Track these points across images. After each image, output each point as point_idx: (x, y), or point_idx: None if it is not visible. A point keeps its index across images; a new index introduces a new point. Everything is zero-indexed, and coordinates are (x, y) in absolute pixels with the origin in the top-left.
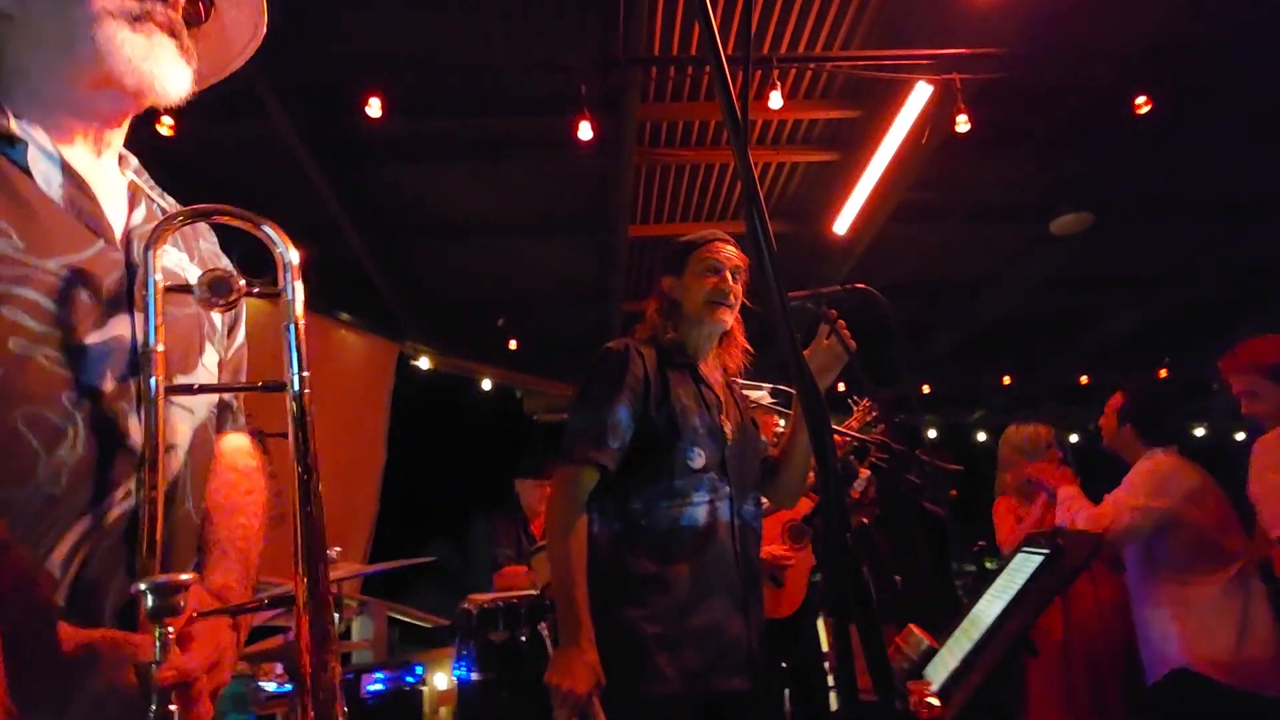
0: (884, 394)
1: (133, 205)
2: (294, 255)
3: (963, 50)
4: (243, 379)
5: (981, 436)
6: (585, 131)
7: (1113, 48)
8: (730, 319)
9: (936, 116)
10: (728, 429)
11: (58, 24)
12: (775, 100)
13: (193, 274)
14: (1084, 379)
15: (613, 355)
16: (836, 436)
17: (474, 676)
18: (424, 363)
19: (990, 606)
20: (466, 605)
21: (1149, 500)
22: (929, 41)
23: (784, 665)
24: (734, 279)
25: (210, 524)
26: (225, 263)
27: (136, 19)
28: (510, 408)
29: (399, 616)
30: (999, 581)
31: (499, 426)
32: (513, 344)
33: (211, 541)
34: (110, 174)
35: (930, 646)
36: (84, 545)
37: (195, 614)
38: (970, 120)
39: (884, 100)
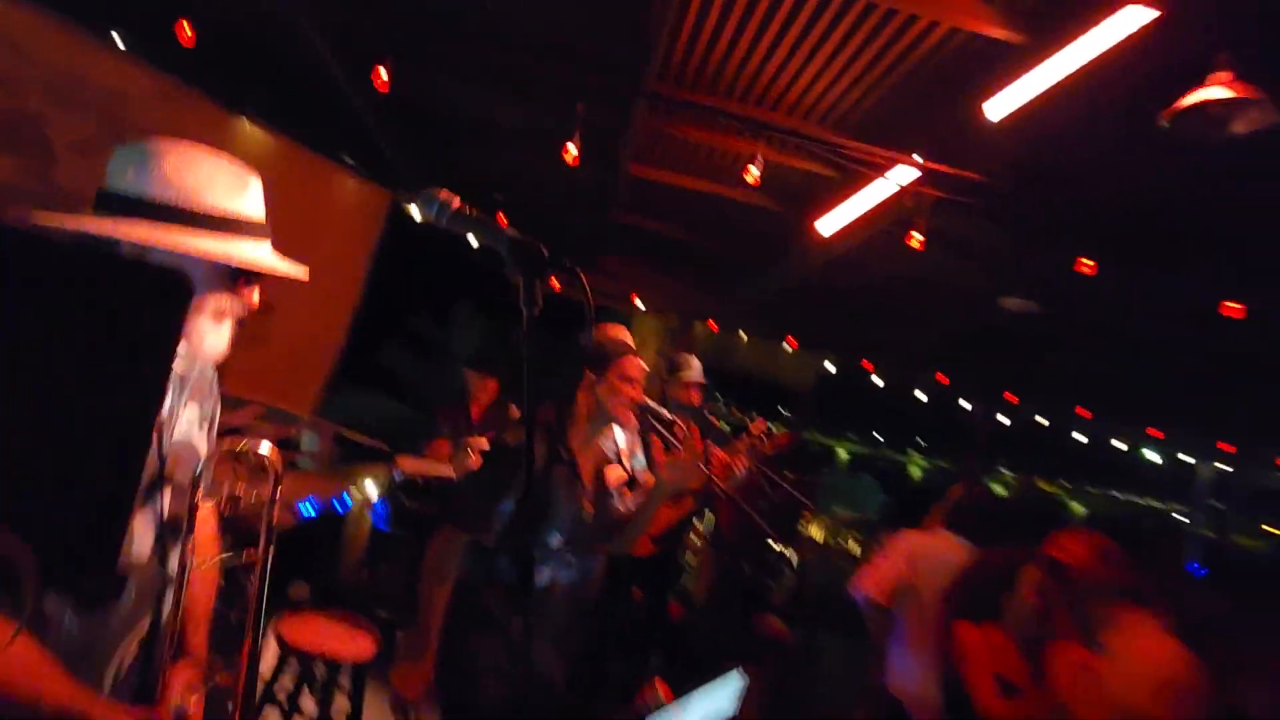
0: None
1: None
2: None
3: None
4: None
5: None
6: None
7: None
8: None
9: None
10: (585, 513)
11: None
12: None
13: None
14: None
15: (509, 449)
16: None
17: (386, 530)
18: (418, 214)
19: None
20: (394, 469)
21: None
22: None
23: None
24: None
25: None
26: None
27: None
28: (499, 268)
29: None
30: None
31: (485, 283)
32: (504, 222)
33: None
34: None
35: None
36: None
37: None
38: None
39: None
